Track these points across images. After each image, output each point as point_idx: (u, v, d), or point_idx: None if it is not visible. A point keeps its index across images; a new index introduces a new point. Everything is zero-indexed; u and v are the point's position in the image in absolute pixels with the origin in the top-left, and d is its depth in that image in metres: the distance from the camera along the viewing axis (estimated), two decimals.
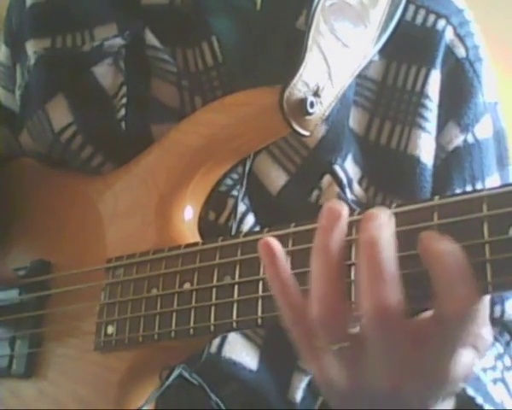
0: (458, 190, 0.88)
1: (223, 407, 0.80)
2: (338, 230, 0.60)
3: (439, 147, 0.88)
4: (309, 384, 0.83)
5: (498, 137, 0.93)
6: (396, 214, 0.61)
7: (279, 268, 0.62)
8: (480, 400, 0.76)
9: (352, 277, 0.62)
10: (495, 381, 0.82)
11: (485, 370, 0.82)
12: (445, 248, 0.57)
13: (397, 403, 0.62)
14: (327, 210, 0.61)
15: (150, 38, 0.88)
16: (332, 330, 0.60)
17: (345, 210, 0.61)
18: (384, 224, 0.59)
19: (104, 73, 0.88)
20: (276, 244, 0.62)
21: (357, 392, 0.62)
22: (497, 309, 0.90)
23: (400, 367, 0.60)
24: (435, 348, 0.59)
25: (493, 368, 0.84)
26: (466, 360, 0.62)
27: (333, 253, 0.60)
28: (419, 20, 0.89)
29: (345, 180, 0.85)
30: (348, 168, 0.86)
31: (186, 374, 0.78)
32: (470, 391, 0.76)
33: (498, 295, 0.89)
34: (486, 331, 0.63)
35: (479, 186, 0.89)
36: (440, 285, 0.57)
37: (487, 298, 0.61)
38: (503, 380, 0.85)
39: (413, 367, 0.60)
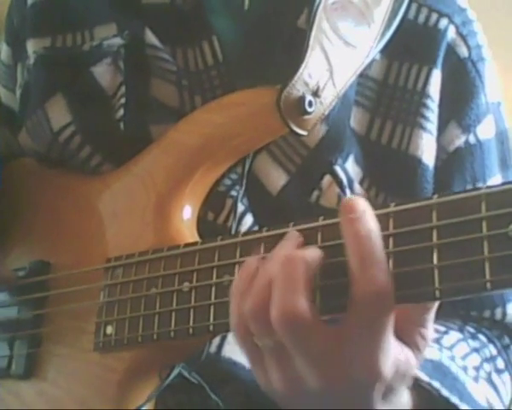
0: None
1: (222, 407, 0.79)
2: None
3: (441, 148, 0.88)
4: None
5: (501, 137, 0.93)
6: (395, 213, 0.61)
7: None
8: (455, 399, 0.76)
9: None
10: (476, 378, 0.82)
11: (466, 368, 0.81)
12: (362, 229, 0.59)
13: (334, 402, 0.63)
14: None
15: (150, 38, 0.87)
16: (259, 321, 0.62)
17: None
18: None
19: (103, 72, 0.88)
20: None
21: (294, 394, 0.64)
22: (498, 311, 0.90)
23: (325, 366, 0.61)
24: (354, 338, 0.60)
25: (477, 368, 0.84)
26: (400, 356, 0.62)
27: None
28: (421, 18, 0.89)
29: (345, 181, 0.85)
30: (349, 169, 0.85)
31: (185, 373, 0.78)
32: (445, 392, 0.75)
33: (499, 296, 0.89)
34: (426, 333, 0.64)
35: None
36: (353, 266, 0.59)
37: (435, 303, 0.63)
38: (488, 380, 0.84)
39: (338, 363, 0.61)
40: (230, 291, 0.65)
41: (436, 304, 0.63)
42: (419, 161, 0.86)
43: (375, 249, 0.59)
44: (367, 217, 0.60)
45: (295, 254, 0.62)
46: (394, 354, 0.61)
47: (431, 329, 0.64)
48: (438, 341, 0.83)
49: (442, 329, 0.86)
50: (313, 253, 0.62)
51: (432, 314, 0.64)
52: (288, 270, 0.60)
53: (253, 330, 0.63)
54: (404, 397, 0.69)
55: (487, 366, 0.86)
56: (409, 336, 0.64)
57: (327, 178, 0.84)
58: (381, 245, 0.59)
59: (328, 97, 0.79)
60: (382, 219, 0.62)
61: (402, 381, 0.64)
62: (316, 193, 0.84)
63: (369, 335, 0.60)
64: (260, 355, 0.64)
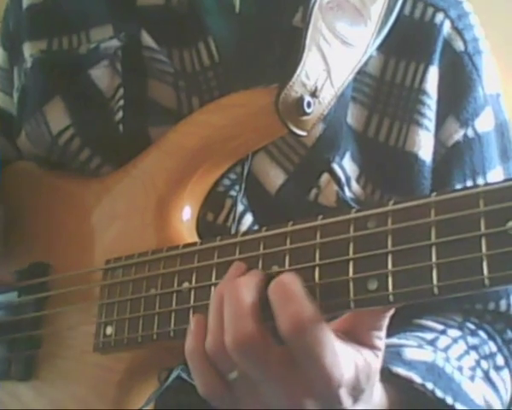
0: (459, 186, 0.88)
1: None
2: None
3: (439, 143, 0.88)
4: None
5: (501, 129, 0.93)
6: (393, 212, 0.61)
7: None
8: (449, 400, 0.76)
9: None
10: (472, 378, 0.82)
11: (461, 368, 0.82)
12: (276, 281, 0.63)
13: None
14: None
15: (146, 39, 0.87)
16: (220, 362, 0.65)
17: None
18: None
19: (101, 75, 0.88)
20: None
21: None
22: (503, 303, 0.90)
23: (287, 384, 0.63)
24: (299, 358, 0.62)
25: (473, 368, 0.84)
26: (358, 359, 0.64)
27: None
28: (417, 14, 0.89)
29: (343, 178, 0.85)
30: (346, 166, 0.86)
31: (184, 375, 0.78)
32: (439, 392, 0.76)
33: (504, 288, 0.89)
34: (382, 334, 0.66)
35: (480, 181, 0.88)
36: (274, 310, 0.62)
37: (391, 310, 0.64)
38: (484, 378, 0.85)
39: (297, 379, 0.63)
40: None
41: (392, 310, 0.64)
42: (415, 157, 0.86)
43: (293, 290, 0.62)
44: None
45: (236, 281, 0.65)
46: (351, 358, 0.63)
47: (385, 330, 0.66)
48: (432, 343, 0.83)
49: (439, 328, 0.86)
50: (253, 275, 0.65)
51: (387, 320, 0.65)
52: (231, 296, 0.64)
53: (218, 367, 0.66)
54: (377, 394, 0.70)
55: (485, 364, 0.86)
56: (365, 340, 0.65)
57: (325, 177, 0.85)
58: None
59: (327, 97, 0.79)
60: (381, 218, 0.62)
61: (367, 380, 0.65)
62: (314, 191, 0.85)
63: (310, 355, 0.62)
64: (226, 390, 0.67)
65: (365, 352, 0.65)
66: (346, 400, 0.64)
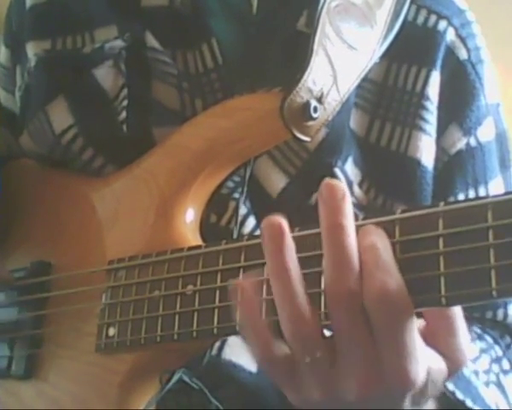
0: (461, 194, 0.88)
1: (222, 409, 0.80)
2: (286, 248, 0.62)
3: (441, 150, 0.88)
4: None
5: (501, 138, 0.93)
6: (401, 220, 0.62)
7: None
8: (469, 402, 0.76)
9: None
10: (487, 384, 0.82)
11: (477, 373, 0.82)
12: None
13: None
14: (268, 229, 0.62)
15: (150, 40, 0.87)
16: (303, 344, 0.61)
17: (284, 224, 0.62)
18: (345, 207, 0.61)
19: (105, 74, 0.88)
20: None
21: (330, 404, 0.63)
22: (500, 312, 0.91)
23: (364, 369, 0.60)
24: (386, 341, 0.60)
25: (487, 372, 0.84)
26: (434, 365, 0.62)
27: (290, 272, 0.62)
28: (420, 20, 0.89)
29: (344, 183, 0.85)
30: (348, 171, 0.86)
31: (186, 378, 0.78)
32: (459, 394, 0.75)
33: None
34: (464, 344, 0.63)
35: (482, 190, 0.89)
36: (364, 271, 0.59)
37: (459, 311, 0.62)
38: (497, 384, 0.85)
39: (374, 368, 0.60)
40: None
41: (458, 311, 0.62)
42: (418, 163, 0.86)
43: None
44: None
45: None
46: (428, 362, 0.61)
47: (465, 340, 0.63)
48: None
49: None
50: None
51: (457, 323, 0.62)
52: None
53: (296, 351, 0.62)
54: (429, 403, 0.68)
55: (495, 368, 0.86)
56: (442, 347, 0.63)
57: None
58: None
59: (332, 103, 0.79)
60: (388, 227, 0.62)
61: (433, 389, 0.63)
62: (316, 195, 0.84)
63: (393, 338, 0.59)
64: (291, 375, 0.64)
65: (440, 361, 0.62)
66: (407, 402, 0.62)
